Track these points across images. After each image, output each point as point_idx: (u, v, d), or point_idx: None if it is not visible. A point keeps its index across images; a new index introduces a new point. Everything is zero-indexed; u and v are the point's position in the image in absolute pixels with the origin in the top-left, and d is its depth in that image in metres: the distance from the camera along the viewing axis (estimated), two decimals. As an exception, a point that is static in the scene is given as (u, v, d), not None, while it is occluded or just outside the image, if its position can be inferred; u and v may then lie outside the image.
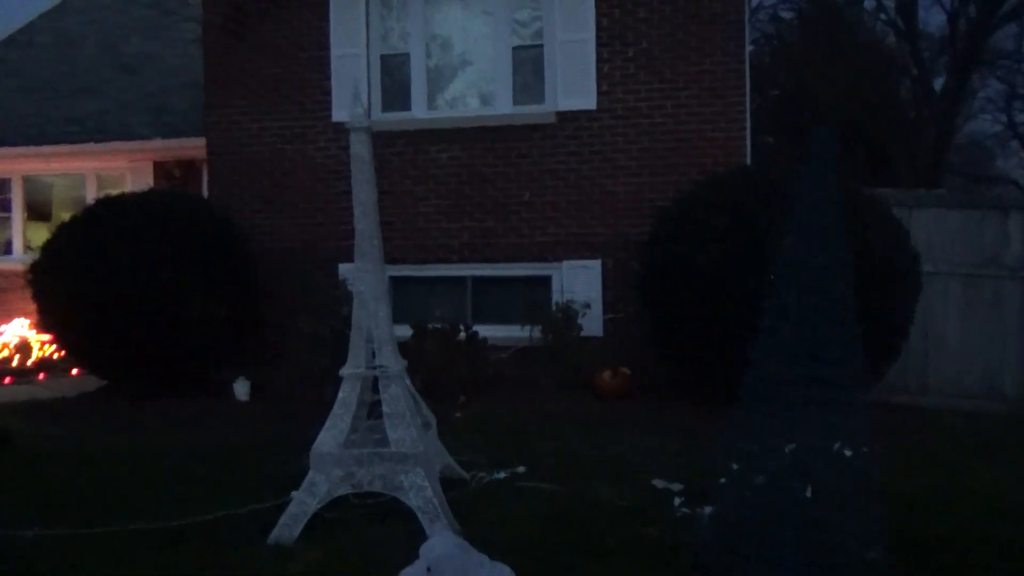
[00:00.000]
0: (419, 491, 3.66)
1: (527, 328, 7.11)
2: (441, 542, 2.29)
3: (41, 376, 8.79)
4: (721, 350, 5.31)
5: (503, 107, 7.80)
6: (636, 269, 6.84)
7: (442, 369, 6.48)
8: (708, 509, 3.65)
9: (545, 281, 7.69)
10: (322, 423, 3.76)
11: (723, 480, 3.38)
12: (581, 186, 7.48)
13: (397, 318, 7.70)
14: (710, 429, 3.59)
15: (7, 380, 8.33)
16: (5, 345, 9.47)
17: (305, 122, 7.97)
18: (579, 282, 7.46)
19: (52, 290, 6.73)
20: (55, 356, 9.09)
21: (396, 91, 8.00)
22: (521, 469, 4.59)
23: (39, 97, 11.36)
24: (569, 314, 7.12)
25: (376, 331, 3.86)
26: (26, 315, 10.62)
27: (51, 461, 4.98)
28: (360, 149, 3.86)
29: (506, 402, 6.39)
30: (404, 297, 7.81)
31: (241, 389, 6.82)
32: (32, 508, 4.04)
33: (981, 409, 6.69)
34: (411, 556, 3.29)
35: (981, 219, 6.96)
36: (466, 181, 7.70)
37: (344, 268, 7.86)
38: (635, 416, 5.91)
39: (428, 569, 2.22)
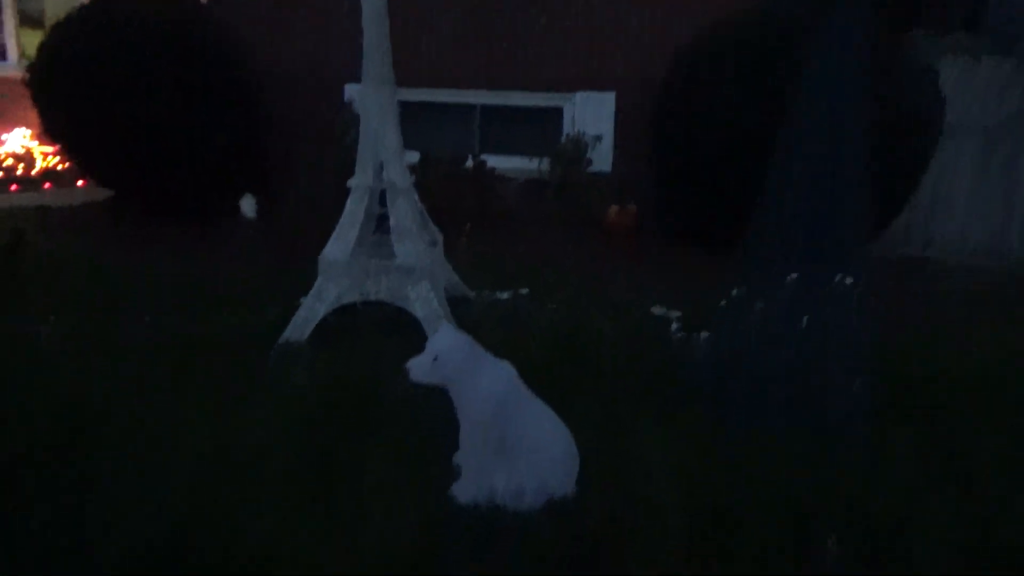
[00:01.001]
0: (425, 302, 3.76)
1: (536, 160, 7.01)
2: (448, 333, 2.36)
3: (47, 185, 8.78)
4: (731, 197, 5.25)
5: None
6: (651, 108, 6.65)
7: (448, 197, 6.45)
8: (705, 334, 3.76)
9: (557, 113, 7.49)
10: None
11: (722, 303, 3.46)
12: (600, 16, 7.09)
13: (409, 145, 7.67)
14: (713, 271, 3.62)
15: (13, 188, 8.32)
16: (9, 155, 9.38)
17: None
18: (591, 115, 7.27)
19: (51, 100, 6.52)
20: (59, 167, 9.04)
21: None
22: (525, 291, 4.69)
23: None
24: (579, 146, 7.00)
25: (385, 143, 3.80)
26: (27, 124, 10.48)
27: (64, 267, 5.05)
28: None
29: (512, 233, 6.43)
30: (410, 124, 7.58)
31: (248, 205, 6.82)
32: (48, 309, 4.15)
33: (983, 265, 6.74)
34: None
35: (1012, 70, 6.66)
36: (479, 4, 7.29)
37: (351, 89, 7.65)
38: (639, 253, 5.96)
39: (435, 358, 2.30)
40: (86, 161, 6.87)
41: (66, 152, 7.09)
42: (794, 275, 3.45)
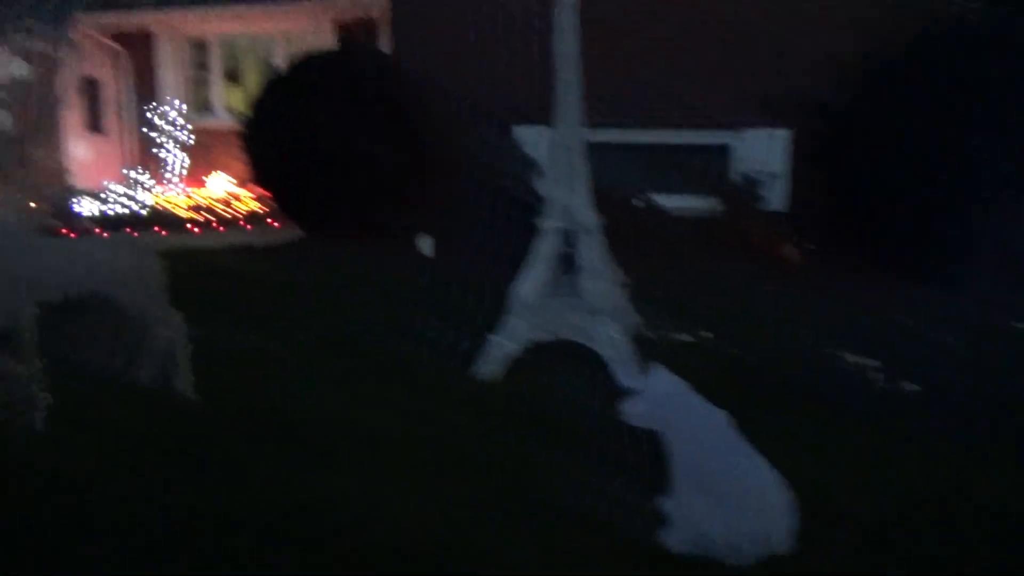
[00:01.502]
0: (612, 342, 3.77)
1: (706, 198, 6.91)
2: (665, 378, 2.36)
3: (248, 226, 9.65)
4: (934, 229, 4.93)
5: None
6: (826, 137, 6.39)
7: (619, 235, 6.46)
8: (911, 386, 3.52)
9: (724, 150, 7.36)
10: (506, 279, 3.93)
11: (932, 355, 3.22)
12: (767, 43, 6.91)
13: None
14: (906, 307, 3.39)
15: (221, 228, 9.19)
16: (220, 199, 10.45)
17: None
18: (762, 152, 7.08)
19: (263, 148, 7.21)
20: (260, 209, 9.90)
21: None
22: (705, 333, 4.59)
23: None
24: (753, 185, 6.82)
25: (574, 185, 3.88)
26: (227, 170, 11.64)
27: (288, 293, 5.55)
28: (568, -5, 3.74)
29: (683, 272, 6.33)
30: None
31: (425, 244, 7.17)
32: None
33: None
34: (605, 397, 3.48)
35: None
36: (643, 41, 7.34)
37: (518, 131, 7.89)
38: (823, 290, 5.67)
39: (651, 401, 2.30)
40: (291, 203, 7.53)
41: (274, 196, 7.78)
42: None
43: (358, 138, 6.67)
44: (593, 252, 3.85)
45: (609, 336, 3.77)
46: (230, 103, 12.37)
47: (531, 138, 7.76)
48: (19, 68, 7.97)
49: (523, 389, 3.64)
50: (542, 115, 7.73)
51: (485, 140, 7.73)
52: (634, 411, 2.33)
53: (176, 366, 3.52)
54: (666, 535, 2.41)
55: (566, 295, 3.90)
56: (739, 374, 3.92)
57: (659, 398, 2.32)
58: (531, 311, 3.86)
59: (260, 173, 7.41)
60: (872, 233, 5.89)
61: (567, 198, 3.88)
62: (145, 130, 11.53)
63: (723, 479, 2.30)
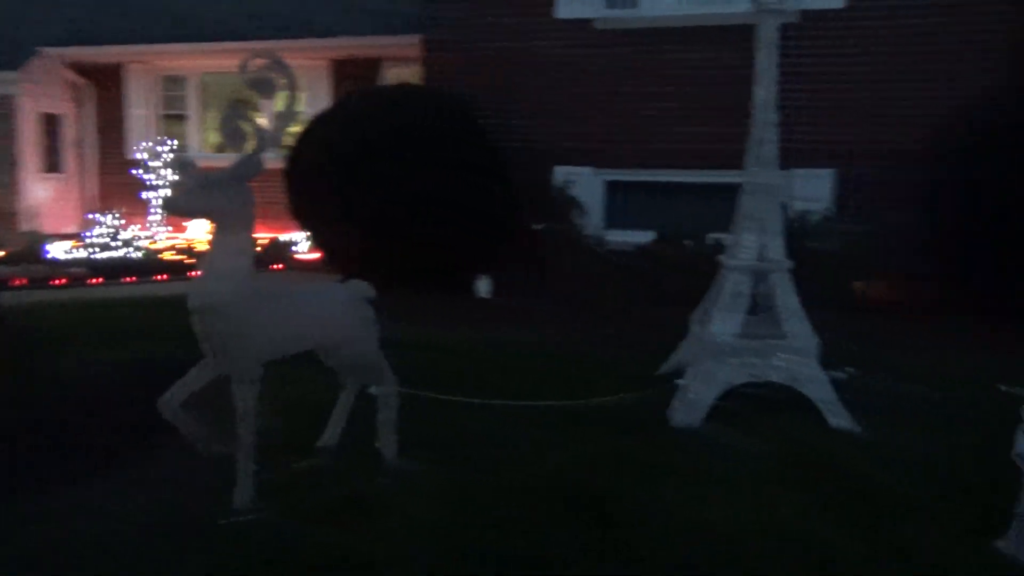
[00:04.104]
0: (819, 383, 3.72)
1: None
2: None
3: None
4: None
5: (740, 6, 7.48)
6: (883, 179, 6.69)
7: (695, 272, 6.47)
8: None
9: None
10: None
11: None
12: (822, 92, 7.20)
13: (626, 223, 7.78)
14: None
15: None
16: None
17: (529, 19, 7.80)
18: (811, 191, 7.28)
19: (304, 189, 6.86)
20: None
21: (621, -13, 7.75)
22: (852, 371, 4.59)
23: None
24: (806, 225, 6.99)
25: (768, 225, 3.85)
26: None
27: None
28: (769, 35, 3.75)
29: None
30: (626, 202, 7.79)
31: (483, 287, 6.96)
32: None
33: None
34: (824, 446, 3.41)
35: None
36: (699, 83, 7.49)
37: (560, 171, 7.85)
38: (923, 330, 5.83)
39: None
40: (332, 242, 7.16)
41: (314, 236, 7.38)
42: None
43: (449, 183, 6.44)
44: (789, 291, 3.81)
45: (818, 377, 3.72)
46: (209, 141, 11.79)
47: (569, 178, 7.74)
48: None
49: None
50: (579, 156, 7.80)
51: (535, 181, 7.64)
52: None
53: (387, 428, 3.21)
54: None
55: (760, 336, 3.82)
56: (928, 408, 3.96)
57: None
58: (730, 353, 3.76)
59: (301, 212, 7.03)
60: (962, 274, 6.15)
61: (761, 238, 3.83)
62: (134, 171, 10.74)
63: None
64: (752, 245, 3.84)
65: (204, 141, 11.78)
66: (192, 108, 11.71)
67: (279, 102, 2.96)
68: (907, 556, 2.59)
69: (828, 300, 6.64)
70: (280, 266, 9.08)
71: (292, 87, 2.91)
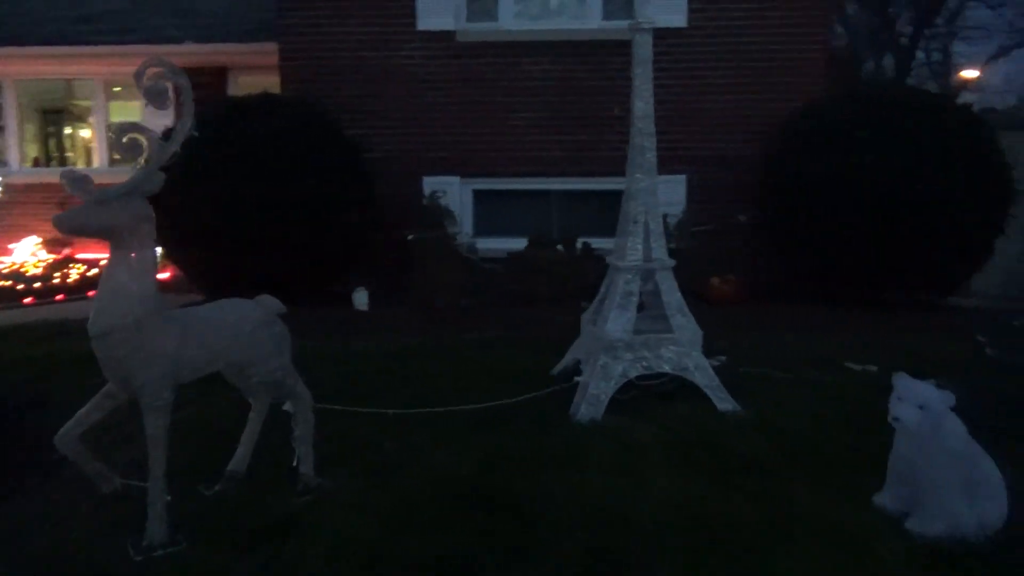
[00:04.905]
0: (704, 371, 4.04)
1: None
2: (924, 386, 2.67)
3: (90, 294, 8.44)
4: (866, 257, 5.90)
5: (592, 22, 7.90)
6: (728, 182, 7.34)
7: (568, 276, 6.76)
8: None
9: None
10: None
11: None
12: (671, 103, 7.74)
13: (492, 230, 7.95)
14: (852, 326, 4.02)
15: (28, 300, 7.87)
16: (47, 265, 8.99)
17: (391, 29, 7.79)
18: (670, 195, 7.80)
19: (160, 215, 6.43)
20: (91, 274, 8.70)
21: (483, 0, 7.93)
22: (723, 358, 5.01)
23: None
24: (667, 227, 7.48)
25: (651, 228, 4.12)
26: (37, 232, 10.03)
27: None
28: (644, 53, 4.02)
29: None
30: (494, 210, 7.97)
31: (360, 299, 6.86)
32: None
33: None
34: (718, 429, 3.72)
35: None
36: (558, 95, 7.81)
37: (428, 181, 7.89)
38: (770, 318, 6.40)
39: (921, 406, 2.62)
40: (189, 259, 6.76)
41: (169, 252, 6.92)
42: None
43: (313, 195, 6.27)
44: (674, 288, 4.10)
45: (703, 365, 4.03)
46: (29, 155, 10.75)
47: (437, 187, 7.81)
48: None
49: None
50: (447, 166, 7.88)
51: (405, 191, 7.64)
52: (908, 417, 2.62)
53: (303, 444, 3.13)
54: (916, 525, 2.72)
55: (648, 332, 4.09)
56: (792, 390, 4.40)
57: (929, 402, 2.63)
58: (624, 348, 4.00)
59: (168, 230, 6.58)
60: (805, 265, 6.85)
61: (646, 240, 4.10)
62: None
63: (969, 473, 2.67)
64: (638, 247, 4.10)
65: (24, 155, 10.71)
66: (10, 118, 10.60)
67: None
68: (797, 518, 2.89)
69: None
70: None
71: (189, 98, 2.80)
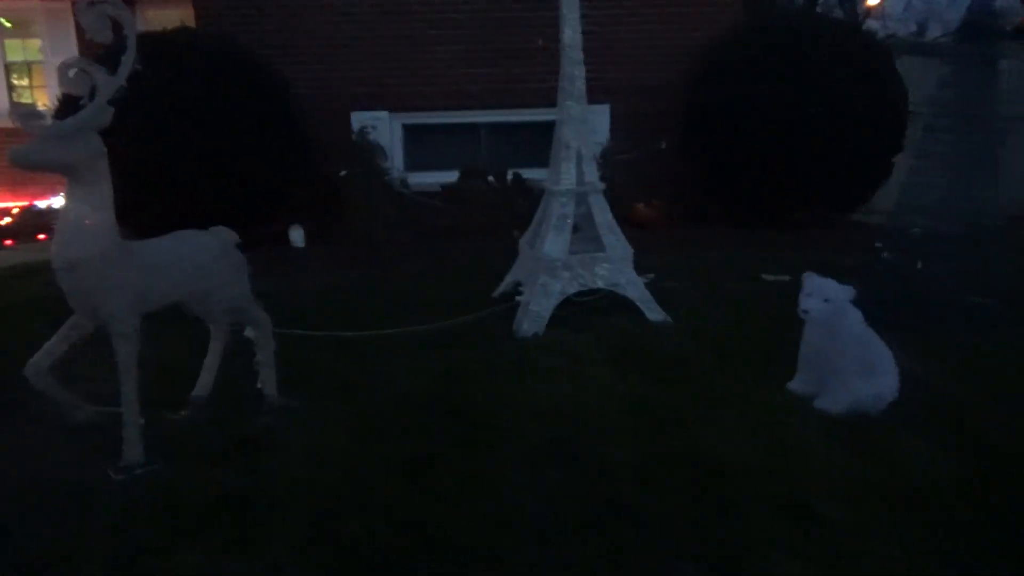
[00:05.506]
0: (636, 286, 4.36)
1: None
2: (828, 281, 3.03)
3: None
4: (771, 180, 6.31)
5: (516, -49, 7.92)
6: (651, 111, 7.63)
7: (500, 206, 6.96)
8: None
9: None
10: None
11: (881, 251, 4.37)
12: (595, 34, 7.88)
13: (423, 165, 8.03)
14: (765, 244, 4.46)
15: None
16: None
17: (310, -40, 7.61)
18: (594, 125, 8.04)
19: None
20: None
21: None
22: (651, 276, 5.35)
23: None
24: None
25: (583, 152, 4.35)
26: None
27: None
28: (570, -17, 4.17)
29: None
30: (425, 145, 8.03)
31: (297, 236, 6.90)
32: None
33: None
34: (649, 337, 4.07)
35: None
36: (484, 26, 7.85)
37: (357, 117, 7.88)
38: (691, 238, 6.80)
39: (826, 299, 2.98)
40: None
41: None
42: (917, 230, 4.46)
43: (237, 135, 6.19)
44: (605, 209, 4.37)
45: (635, 281, 4.35)
46: None
47: (367, 123, 7.82)
48: None
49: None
50: (375, 102, 7.87)
51: (335, 128, 7.61)
52: (816, 311, 2.98)
53: (266, 367, 3.29)
54: (824, 403, 3.13)
55: (582, 251, 4.36)
56: (714, 298, 4.79)
57: (833, 294, 3.00)
58: (562, 267, 4.26)
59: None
60: (724, 187, 7.24)
61: (578, 164, 4.33)
62: None
63: (867, 358, 3.07)
64: (571, 171, 4.33)
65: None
66: None
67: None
68: (720, 399, 3.27)
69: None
70: (43, 236, 8.19)
71: (132, 32, 2.82)
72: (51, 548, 2.33)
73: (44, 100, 10.12)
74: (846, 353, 3.07)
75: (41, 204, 8.85)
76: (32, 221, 8.41)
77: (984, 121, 4.07)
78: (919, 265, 4.41)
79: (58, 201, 8.62)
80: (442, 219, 7.28)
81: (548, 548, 2.28)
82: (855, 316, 3.11)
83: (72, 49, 9.71)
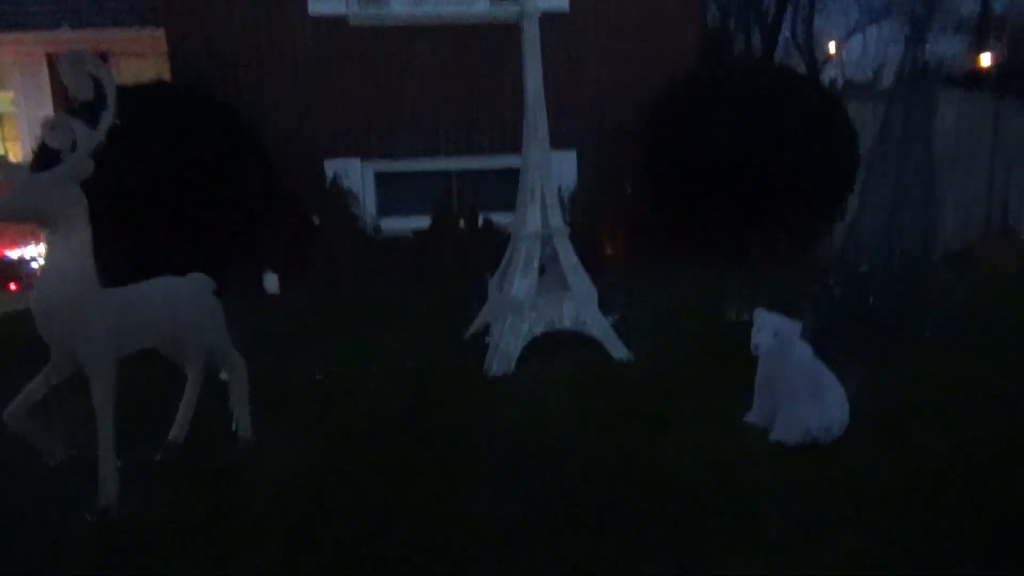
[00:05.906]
0: (600, 324, 4.52)
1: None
2: (775, 316, 3.21)
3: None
4: (731, 221, 6.57)
5: (480, 6, 8.23)
6: (617, 155, 7.93)
7: (471, 249, 7.13)
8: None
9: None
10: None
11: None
12: (558, 82, 8.19)
13: (395, 210, 8.19)
14: (731, 281, 4.75)
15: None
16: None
17: (282, 15, 7.84)
18: (562, 171, 8.29)
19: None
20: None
21: (374, -14, 8.10)
22: (616, 316, 5.52)
23: None
24: (562, 200, 7.97)
25: (547, 198, 4.54)
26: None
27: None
28: (532, 36, 4.40)
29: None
30: (396, 191, 8.22)
31: (271, 282, 6.99)
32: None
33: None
34: (613, 372, 4.22)
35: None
36: (451, 77, 8.11)
37: (330, 164, 8.05)
38: (656, 277, 6.99)
39: (775, 333, 3.16)
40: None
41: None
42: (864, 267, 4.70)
43: (209, 182, 6.33)
44: (570, 251, 4.54)
45: (599, 320, 4.51)
46: None
47: (339, 170, 8.00)
48: None
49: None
50: (347, 149, 8.05)
51: (308, 175, 7.77)
52: (765, 343, 3.15)
53: (240, 407, 3.38)
54: (779, 435, 3.28)
55: (548, 292, 4.52)
56: (682, 336, 4.96)
57: (782, 328, 3.18)
58: (530, 308, 4.41)
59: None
60: (686, 227, 7.50)
61: (543, 209, 4.51)
62: None
63: (816, 388, 3.24)
64: (536, 215, 4.51)
65: None
66: None
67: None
68: (675, 425, 3.45)
69: (583, 261, 7.73)
70: (15, 286, 8.20)
71: (112, 88, 2.97)
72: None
73: (16, 152, 10.19)
74: (795, 382, 3.24)
75: (12, 255, 8.85)
76: (5, 271, 8.41)
77: (919, 161, 4.35)
78: (870, 300, 4.65)
79: (30, 251, 8.65)
80: (414, 264, 7.42)
81: (514, 551, 2.42)
82: (804, 349, 3.29)
83: (45, 101, 9.85)
